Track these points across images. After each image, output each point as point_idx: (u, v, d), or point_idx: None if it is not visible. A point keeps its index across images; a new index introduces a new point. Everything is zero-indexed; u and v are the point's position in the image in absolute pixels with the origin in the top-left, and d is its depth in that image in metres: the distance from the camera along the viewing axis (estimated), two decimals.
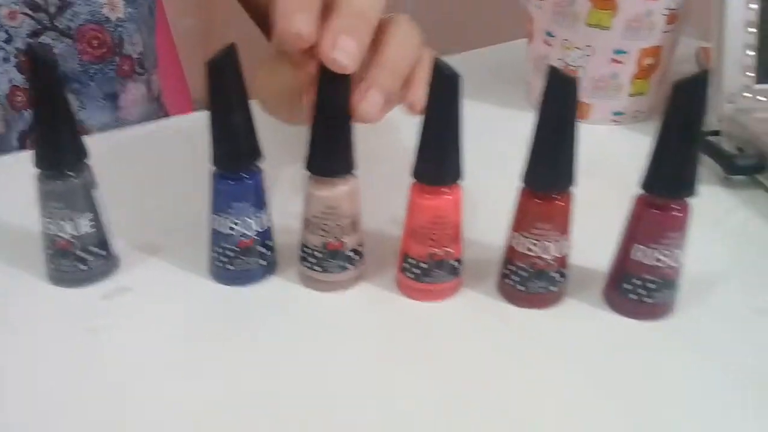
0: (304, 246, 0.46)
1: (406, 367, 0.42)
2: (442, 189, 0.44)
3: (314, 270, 0.46)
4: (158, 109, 0.84)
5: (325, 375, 0.41)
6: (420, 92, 0.42)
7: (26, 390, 0.40)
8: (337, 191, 0.44)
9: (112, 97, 0.75)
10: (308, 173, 0.44)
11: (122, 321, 0.45)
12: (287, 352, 0.43)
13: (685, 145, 0.41)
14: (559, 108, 0.41)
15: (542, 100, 0.41)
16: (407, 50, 0.44)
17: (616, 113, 0.73)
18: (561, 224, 0.43)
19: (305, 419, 0.38)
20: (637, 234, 0.43)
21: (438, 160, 0.43)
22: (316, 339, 0.44)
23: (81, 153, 0.45)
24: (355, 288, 0.48)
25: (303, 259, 0.47)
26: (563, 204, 0.43)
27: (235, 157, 0.44)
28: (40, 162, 0.44)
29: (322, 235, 0.45)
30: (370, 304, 0.46)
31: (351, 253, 0.46)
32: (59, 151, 0.44)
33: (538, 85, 0.75)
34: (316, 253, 0.46)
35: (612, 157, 0.66)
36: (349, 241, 0.46)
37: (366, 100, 0.41)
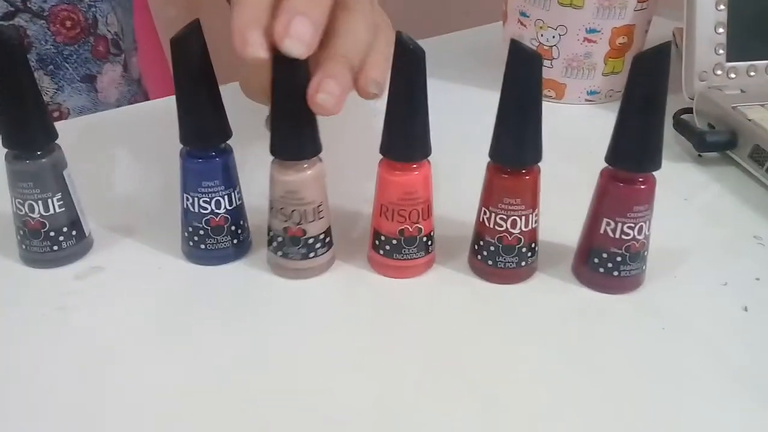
0: (269, 229, 0.46)
1: (379, 345, 0.42)
2: (411, 165, 0.44)
3: (277, 255, 0.46)
4: (138, 92, 0.84)
5: (297, 355, 0.41)
6: (372, 74, 0.41)
7: None
8: (299, 176, 0.43)
9: (90, 79, 0.75)
10: (272, 157, 0.43)
11: (95, 300, 0.45)
12: (259, 332, 0.43)
13: (647, 117, 0.42)
14: (522, 83, 0.41)
15: (506, 74, 0.41)
16: (362, 31, 0.41)
17: (591, 92, 0.73)
18: (528, 199, 0.44)
19: (277, 401, 0.39)
20: (604, 208, 0.44)
21: (405, 136, 0.43)
22: (287, 319, 0.44)
23: (49, 133, 0.45)
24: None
25: (269, 242, 0.46)
26: (530, 179, 0.44)
27: (203, 134, 0.44)
28: (7, 142, 0.44)
29: (283, 221, 0.44)
30: (342, 282, 0.47)
31: (313, 241, 0.45)
32: (26, 131, 0.44)
33: None
34: (278, 238, 0.45)
35: (586, 136, 0.66)
36: (312, 228, 0.45)
37: (322, 92, 0.38)
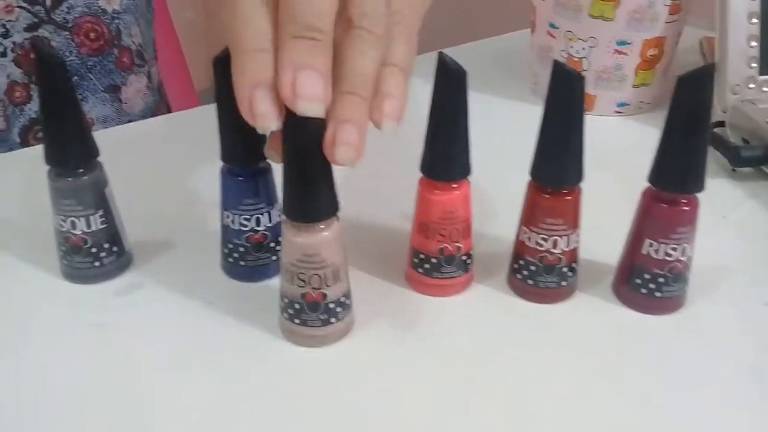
0: (282, 296, 0.42)
1: (416, 363, 0.42)
2: (451, 184, 0.44)
3: (293, 323, 0.42)
4: (160, 101, 0.84)
5: (328, 370, 0.41)
6: (387, 109, 0.36)
7: (38, 385, 0.40)
8: (317, 237, 0.39)
9: (114, 90, 0.75)
10: (283, 218, 0.40)
11: (134, 317, 0.45)
12: (292, 347, 0.43)
13: (691, 139, 0.41)
14: (565, 103, 0.41)
15: (548, 95, 0.41)
16: (370, 54, 0.36)
17: (621, 104, 0.73)
18: (570, 219, 0.44)
19: (314, 419, 0.39)
20: (646, 229, 0.44)
21: (446, 156, 0.43)
22: None
23: (91, 151, 0.45)
24: (363, 281, 0.48)
25: (282, 309, 0.42)
26: (572, 199, 0.43)
27: (244, 153, 0.45)
28: (50, 160, 0.44)
29: (300, 285, 0.41)
30: (378, 299, 0.47)
31: (333, 305, 0.41)
32: (69, 149, 0.44)
33: (543, 75, 0.76)
34: (295, 305, 0.41)
35: (617, 148, 0.66)
36: (331, 292, 0.41)
37: (340, 144, 0.34)
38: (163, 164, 0.63)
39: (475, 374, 0.41)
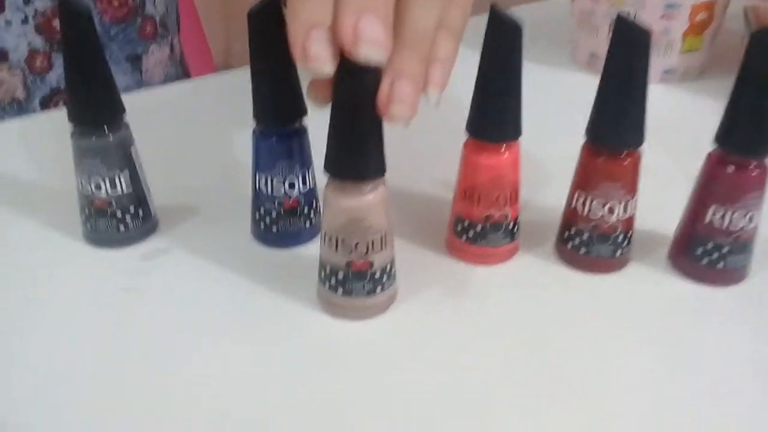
0: (323, 265, 0.39)
1: (463, 337, 0.39)
2: (500, 146, 0.41)
3: (335, 293, 0.39)
4: (181, 71, 0.82)
5: (376, 340, 0.39)
6: (436, 78, 0.34)
7: (62, 352, 0.38)
8: (365, 200, 0.36)
9: (135, 59, 0.72)
10: (329, 178, 0.37)
11: (162, 282, 0.43)
12: (323, 317, 0.40)
13: (764, 99, 0.38)
14: (630, 59, 0.38)
15: (610, 50, 0.38)
16: (430, 8, 0.34)
17: (667, 71, 0.69)
18: (629, 183, 0.41)
19: (353, 397, 0.36)
20: (711, 195, 0.41)
21: (498, 115, 0.40)
22: None
23: (118, 107, 0.42)
24: (402, 250, 0.45)
25: (323, 279, 0.40)
26: (631, 162, 0.40)
27: (279, 112, 0.42)
28: (74, 117, 0.42)
29: (347, 254, 0.38)
30: (419, 269, 0.44)
31: (380, 274, 0.39)
32: (94, 106, 0.41)
33: (583, 42, 0.72)
34: (338, 273, 0.39)
35: (663, 117, 0.63)
36: (378, 260, 0.38)
37: (396, 101, 0.32)
38: (187, 130, 0.60)
39: (522, 348, 0.39)
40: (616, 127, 0.39)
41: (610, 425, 0.34)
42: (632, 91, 0.38)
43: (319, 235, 0.45)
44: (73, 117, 0.42)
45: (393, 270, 0.40)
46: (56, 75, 0.67)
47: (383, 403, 0.35)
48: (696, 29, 0.67)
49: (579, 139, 0.42)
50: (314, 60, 0.31)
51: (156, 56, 0.75)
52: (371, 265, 0.38)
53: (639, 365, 0.38)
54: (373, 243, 0.37)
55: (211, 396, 0.36)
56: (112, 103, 0.42)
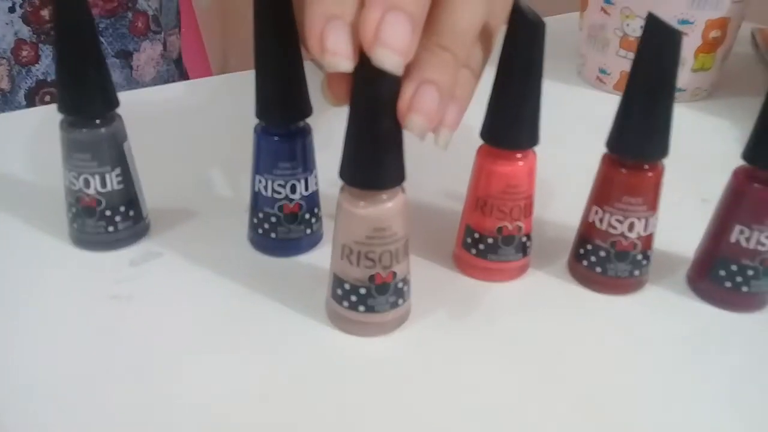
0: (340, 282, 0.36)
1: (467, 357, 0.37)
2: (516, 154, 0.39)
3: (355, 311, 0.36)
4: (177, 72, 0.79)
5: (374, 352, 0.36)
6: (449, 114, 0.31)
7: (43, 361, 0.35)
8: (384, 209, 0.34)
9: (125, 56, 0.70)
10: (343, 186, 0.34)
11: (151, 290, 0.40)
12: (328, 331, 0.38)
13: None
14: (659, 60, 0.36)
15: (638, 52, 0.36)
16: (478, 13, 0.31)
17: (677, 90, 0.67)
18: (651, 199, 0.39)
19: (341, 408, 0.34)
20: (737, 213, 0.38)
21: (515, 119, 0.38)
22: None
23: (111, 99, 0.40)
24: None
25: (339, 297, 0.36)
26: (654, 175, 0.38)
27: (283, 108, 0.39)
28: (65, 106, 0.39)
29: (368, 266, 0.35)
30: (424, 283, 0.41)
31: (402, 284, 0.36)
32: (86, 95, 0.39)
33: (591, 57, 0.70)
34: (360, 289, 0.36)
35: (675, 137, 0.61)
36: (399, 269, 0.36)
37: (415, 110, 0.29)
38: (184, 131, 0.58)
39: (532, 370, 0.36)
40: (641, 136, 0.37)
41: None
42: (660, 97, 0.36)
43: (319, 245, 0.43)
44: (63, 106, 0.39)
45: (410, 277, 0.37)
46: (43, 67, 0.64)
47: (387, 420, 0.33)
48: (708, 47, 0.65)
49: (590, 155, 0.40)
50: (331, 53, 0.28)
51: (148, 53, 0.72)
52: (394, 276, 0.35)
53: (654, 392, 0.35)
54: (396, 253, 0.35)
55: (200, 410, 0.33)
56: (106, 94, 0.39)
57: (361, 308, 0.36)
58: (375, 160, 0.32)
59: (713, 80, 0.68)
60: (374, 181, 0.33)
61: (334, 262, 0.36)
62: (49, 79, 0.65)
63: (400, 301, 0.37)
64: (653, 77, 0.36)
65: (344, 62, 0.28)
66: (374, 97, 0.30)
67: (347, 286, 0.36)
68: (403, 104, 0.29)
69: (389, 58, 0.27)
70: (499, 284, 0.42)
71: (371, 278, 0.35)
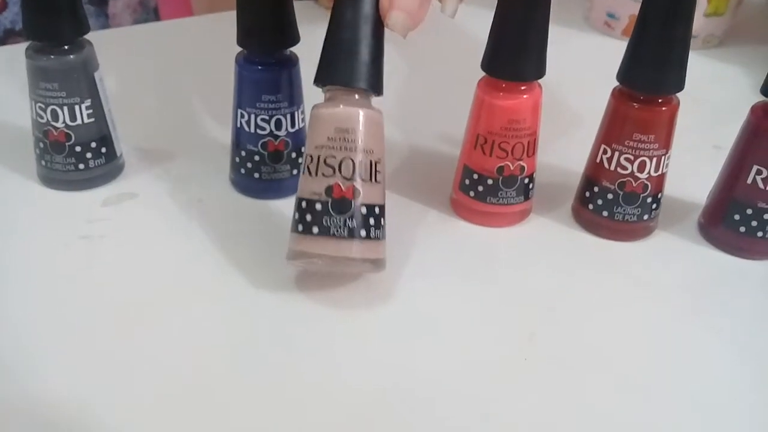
0: (299, 202, 0.32)
1: (467, 307, 0.34)
2: (520, 86, 0.36)
3: (310, 233, 0.31)
4: (153, 20, 0.75)
5: (369, 310, 0.34)
6: None
7: (10, 304, 0.32)
8: (353, 111, 0.31)
9: (100, 3, 0.66)
10: (318, 86, 0.32)
11: (125, 231, 0.37)
12: (315, 279, 0.35)
13: None
14: None
15: None
16: None
17: None
18: (664, 136, 0.36)
19: (325, 354, 0.31)
20: (755, 152, 0.36)
21: (520, 48, 0.35)
22: None
23: (81, 24, 0.37)
24: (399, 207, 0.40)
25: (295, 223, 0.32)
26: (668, 111, 0.35)
27: (267, 34, 0.36)
28: (31, 30, 0.36)
29: (328, 175, 0.31)
30: (418, 228, 0.39)
31: (366, 212, 0.31)
32: (54, 19, 0.36)
33: (600, 1, 0.67)
34: (315, 205, 0.31)
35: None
36: (365, 191, 0.31)
37: (398, 6, 0.30)
38: (161, 70, 0.54)
39: (535, 320, 0.34)
40: (655, 66, 0.34)
41: (631, 400, 0.30)
42: (677, 24, 0.33)
43: None
44: (29, 30, 0.36)
45: (383, 222, 0.33)
46: (11, 14, 0.60)
47: (375, 367, 0.30)
48: None
49: (598, 99, 0.38)
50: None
51: (124, 0, 0.68)
52: (356, 193, 0.31)
53: (664, 342, 0.33)
54: (359, 166, 0.31)
55: (175, 357, 0.30)
56: (75, 17, 0.36)
57: (314, 230, 0.31)
58: (350, 57, 0.31)
59: (726, 27, 0.65)
60: (347, 77, 0.31)
61: (300, 180, 0.32)
62: (17, 28, 0.61)
63: (363, 232, 0.31)
64: (670, 6, 0.33)
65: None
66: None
67: (304, 204, 0.31)
68: (384, 1, 0.30)
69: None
70: (498, 230, 0.39)
71: (328, 190, 0.31)
